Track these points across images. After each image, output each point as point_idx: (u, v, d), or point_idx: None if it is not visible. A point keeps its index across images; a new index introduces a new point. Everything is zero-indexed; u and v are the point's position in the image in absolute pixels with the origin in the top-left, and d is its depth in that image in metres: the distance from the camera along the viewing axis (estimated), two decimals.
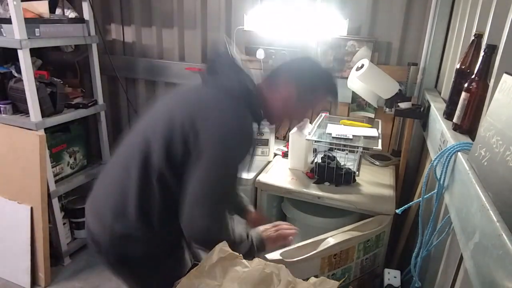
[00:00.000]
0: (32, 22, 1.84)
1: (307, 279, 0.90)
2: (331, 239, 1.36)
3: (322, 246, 1.33)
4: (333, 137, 1.69)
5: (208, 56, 1.13)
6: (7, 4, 1.72)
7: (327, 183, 1.69)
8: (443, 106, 1.34)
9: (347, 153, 1.80)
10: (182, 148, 0.97)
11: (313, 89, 1.12)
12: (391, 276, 1.39)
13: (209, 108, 1.00)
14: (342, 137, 1.69)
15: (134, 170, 1.01)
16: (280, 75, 1.11)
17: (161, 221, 1.05)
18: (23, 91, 1.88)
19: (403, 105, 1.68)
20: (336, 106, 2.12)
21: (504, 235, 0.58)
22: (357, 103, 2.07)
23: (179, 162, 0.98)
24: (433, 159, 1.08)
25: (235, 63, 1.09)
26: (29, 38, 1.80)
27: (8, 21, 1.76)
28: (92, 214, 1.11)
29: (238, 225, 1.08)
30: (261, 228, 1.17)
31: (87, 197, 1.15)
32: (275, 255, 1.24)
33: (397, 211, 1.29)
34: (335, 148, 1.74)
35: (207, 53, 1.15)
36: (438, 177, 1.04)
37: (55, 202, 2.10)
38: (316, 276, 0.91)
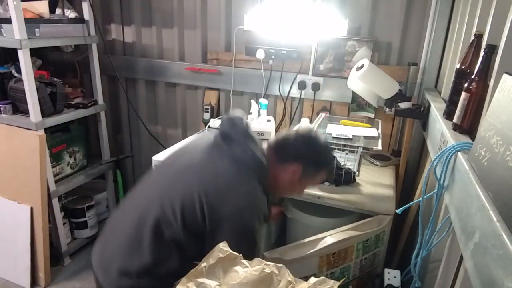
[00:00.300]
0: (32, 22, 1.84)
1: (305, 278, 0.90)
2: (330, 238, 1.37)
3: (320, 245, 1.33)
4: (333, 137, 1.69)
5: (224, 122, 1.19)
6: (7, 4, 1.72)
7: (327, 183, 1.68)
8: (443, 106, 1.33)
9: (347, 153, 1.80)
10: (201, 219, 1.04)
11: (317, 170, 1.24)
12: (391, 276, 1.39)
13: (226, 185, 1.08)
14: (342, 137, 1.69)
15: (147, 233, 1.05)
16: (287, 155, 1.19)
17: (170, 275, 1.06)
18: (23, 91, 1.88)
19: (403, 105, 1.68)
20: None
21: (504, 235, 0.58)
22: (357, 103, 2.07)
23: (197, 230, 1.04)
24: (433, 159, 1.08)
25: (250, 135, 1.15)
26: (29, 38, 1.80)
27: (8, 21, 1.76)
28: (99, 265, 1.14)
29: None
30: None
31: (94, 245, 1.19)
32: (273, 253, 1.24)
33: (397, 211, 1.29)
34: (335, 148, 1.74)
35: (223, 119, 1.22)
36: (438, 177, 1.04)
37: (55, 202, 2.10)
38: (314, 275, 0.91)
